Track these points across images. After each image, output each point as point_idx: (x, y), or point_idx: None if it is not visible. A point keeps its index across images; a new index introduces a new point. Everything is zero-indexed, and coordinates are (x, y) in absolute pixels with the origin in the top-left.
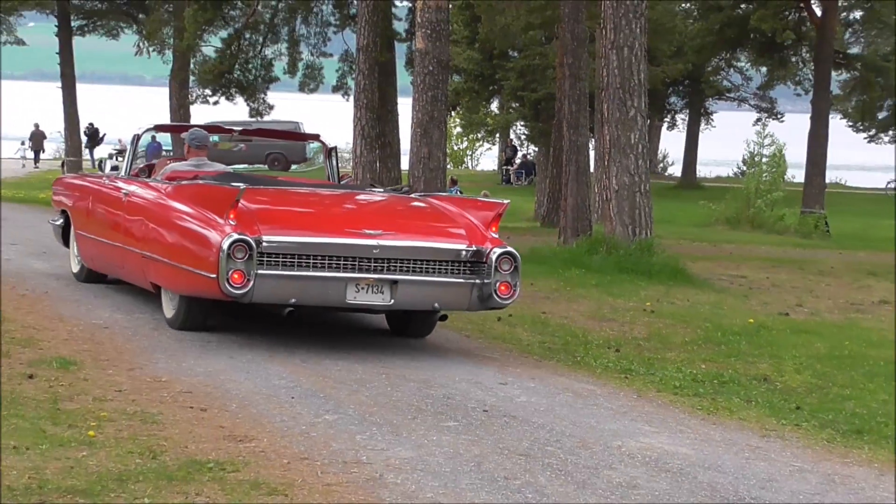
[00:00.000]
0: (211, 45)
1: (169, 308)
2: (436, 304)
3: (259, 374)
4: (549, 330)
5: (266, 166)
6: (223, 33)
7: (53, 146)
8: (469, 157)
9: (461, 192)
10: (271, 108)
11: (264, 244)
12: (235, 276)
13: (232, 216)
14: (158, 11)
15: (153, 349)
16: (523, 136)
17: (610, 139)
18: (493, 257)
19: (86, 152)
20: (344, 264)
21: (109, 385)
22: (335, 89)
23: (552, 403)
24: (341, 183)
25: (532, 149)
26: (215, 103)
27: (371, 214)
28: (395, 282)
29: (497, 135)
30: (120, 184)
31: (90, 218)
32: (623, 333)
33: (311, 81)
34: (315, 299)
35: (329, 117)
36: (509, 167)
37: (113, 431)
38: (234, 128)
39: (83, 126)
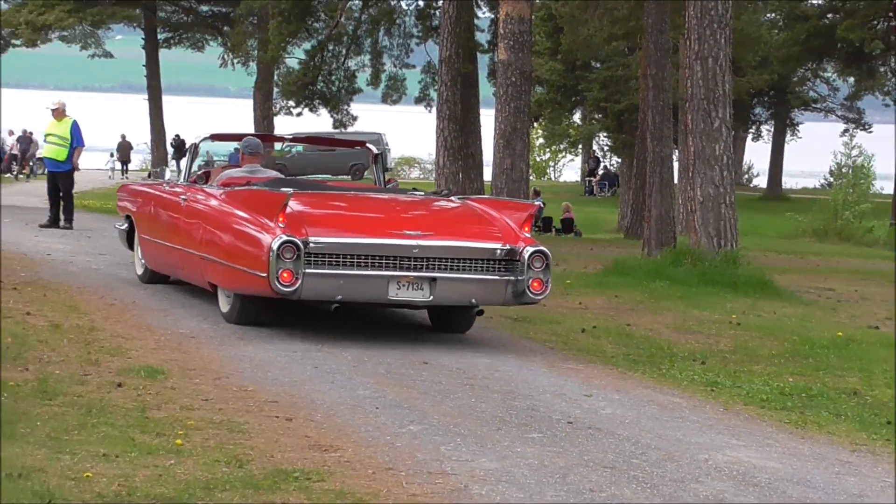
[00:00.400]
0: (295, 56)
1: (225, 304)
2: (473, 300)
3: (344, 384)
4: (634, 342)
5: (349, 177)
6: (307, 45)
7: (140, 158)
8: (552, 169)
9: (544, 204)
10: (354, 119)
11: (311, 245)
12: (285, 274)
13: (281, 219)
14: (243, 24)
15: (239, 359)
16: (606, 148)
17: (694, 150)
18: (526, 255)
19: (172, 163)
20: (386, 263)
21: (196, 394)
22: (418, 100)
23: (637, 416)
24: (385, 187)
25: (615, 160)
26: (299, 115)
27: (411, 216)
28: (433, 279)
29: (580, 146)
30: (179, 190)
31: (152, 222)
32: (709, 346)
33: (393, 93)
34: (359, 296)
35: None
36: (592, 178)
37: (200, 440)
38: (285, 136)
39: (169, 137)
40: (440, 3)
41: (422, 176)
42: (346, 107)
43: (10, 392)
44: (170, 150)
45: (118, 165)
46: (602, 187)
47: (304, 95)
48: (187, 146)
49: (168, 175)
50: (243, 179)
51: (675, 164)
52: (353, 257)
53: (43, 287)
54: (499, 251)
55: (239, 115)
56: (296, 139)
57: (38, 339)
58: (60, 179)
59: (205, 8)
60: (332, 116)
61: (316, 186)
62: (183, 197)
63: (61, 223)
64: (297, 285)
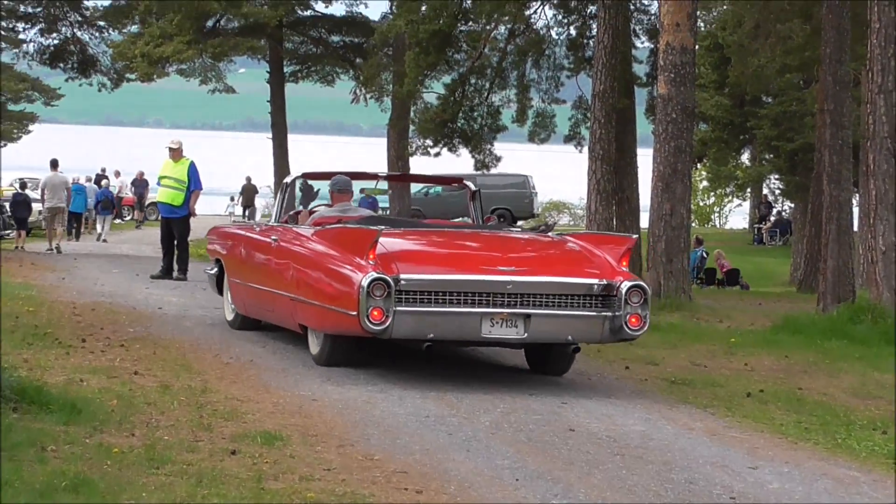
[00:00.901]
0: (433, 91)
1: (314, 346)
2: (569, 337)
3: (480, 452)
4: (806, 408)
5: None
6: (446, 78)
7: (263, 202)
8: (717, 215)
9: (707, 254)
10: (498, 160)
11: (402, 282)
12: (375, 312)
13: (371, 256)
14: (377, 56)
15: (365, 424)
16: (777, 191)
17: (876, 194)
18: (623, 290)
19: (299, 207)
20: (479, 300)
21: (317, 462)
22: (568, 139)
23: (809, 491)
24: (482, 224)
25: (787, 205)
26: (436, 155)
27: (505, 252)
28: (528, 316)
29: (748, 189)
30: (269, 231)
31: (242, 265)
32: (890, 413)
33: (541, 131)
34: (451, 334)
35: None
36: (762, 225)
37: None
38: (379, 173)
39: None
40: (594, 32)
41: (572, 222)
42: (488, 146)
43: (114, 459)
44: (297, 193)
45: (238, 210)
46: (773, 235)
47: (442, 134)
48: (285, 185)
49: (259, 217)
50: (334, 218)
51: (855, 210)
52: (445, 294)
53: (153, 344)
54: (595, 286)
55: (371, 156)
56: (390, 177)
57: (146, 401)
58: (175, 226)
59: (335, 38)
60: (473, 157)
61: (407, 223)
62: (273, 237)
63: (175, 274)
64: (387, 324)
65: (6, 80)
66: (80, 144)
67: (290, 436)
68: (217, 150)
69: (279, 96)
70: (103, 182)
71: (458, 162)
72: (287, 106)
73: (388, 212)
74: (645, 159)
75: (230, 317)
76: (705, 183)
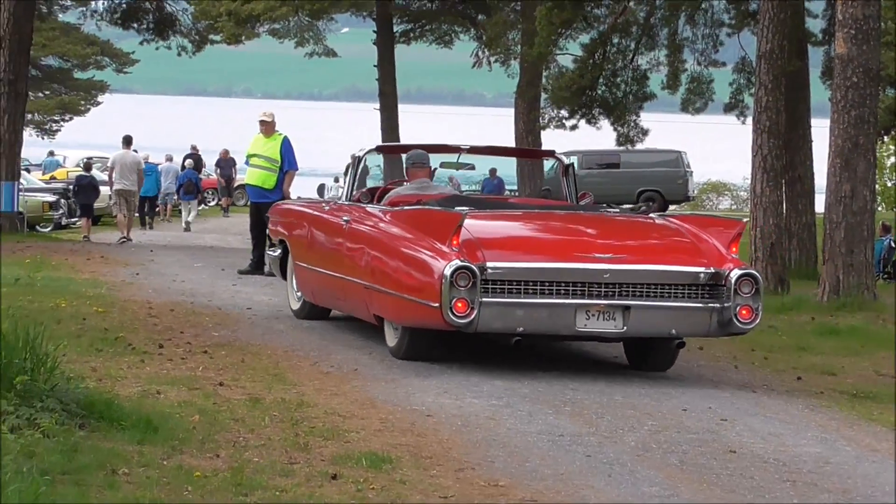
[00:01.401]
0: (569, 53)
1: (391, 338)
2: (673, 331)
3: (624, 478)
4: None
5: (642, 206)
6: (584, 38)
7: (371, 183)
8: None
9: (895, 244)
10: (645, 133)
11: (489, 271)
12: (459, 304)
13: (454, 242)
14: (503, 11)
15: (489, 443)
16: None
17: None
18: (733, 279)
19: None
20: (573, 290)
21: (432, 489)
22: (728, 108)
23: None
24: (576, 204)
25: None
26: (573, 128)
27: (601, 237)
28: (627, 307)
29: None
30: (341, 210)
31: (310, 247)
32: None
33: (696, 98)
34: (543, 327)
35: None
36: None
37: None
38: (462, 146)
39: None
40: None
41: (734, 206)
42: (634, 117)
43: (196, 484)
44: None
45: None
46: None
47: (579, 103)
48: (356, 158)
49: (329, 193)
50: (413, 197)
51: None
52: (536, 284)
53: (241, 350)
54: (702, 275)
55: (496, 129)
56: (473, 149)
57: (233, 416)
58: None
59: None
60: (615, 130)
61: (494, 205)
62: (345, 218)
63: (266, 268)
64: (472, 316)
65: (71, 43)
66: (157, 117)
67: (401, 458)
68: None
69: (388, 60)
70: (188, 162)
71: (597, 136)
72: (397, 72)
73: (516, 193)
74: (820, 132)
75: (296, 305)
76: (893, 159)
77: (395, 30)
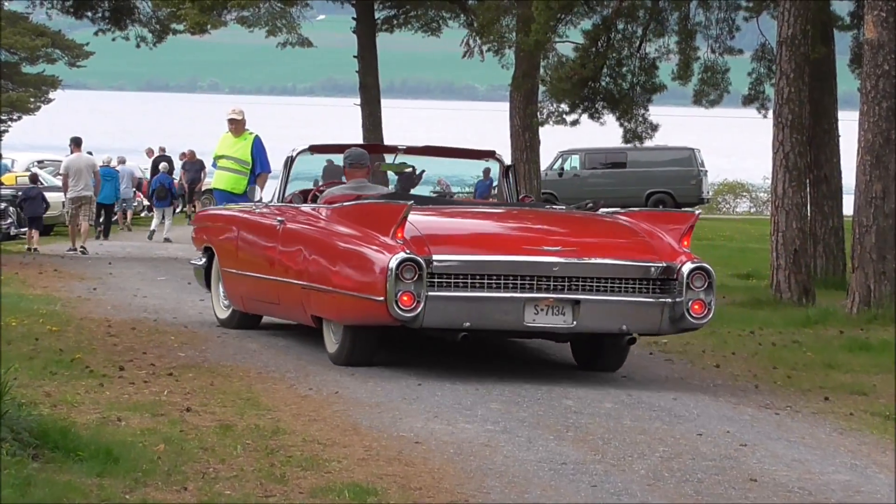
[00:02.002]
0: (569, 41)
1: (331, 343)
2: (623, 327)
3: None
4: None
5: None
6: (586, 24)
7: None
8: None
9: None
10: (654, 128)
11: (435, 263)
12: (405, 298)
13: (399, 234)
14: None
15: (484, 473)
16: None
17: None
18: (685, 273)
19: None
20: (521, 284)
21: None
22: (747, 100)
23: None
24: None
25: None
26: (574, 123)
27: (549, 231)
28: (577, 302)
29: None
30: (272, 211)
31: (239, 252)
32: None
33: (711, 90)
34: (490, 322)
35: (738, 141)
36: None
37: None
38: (399, 146)
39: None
40: None
41: (753, 208)
42: (641, 111)
43: None
44: (392, 176)
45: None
46: None
47: (581, 96)
48: (290, 159)
49: (258, 195)
50: (350, 197)
51: None
52: (484, 277)
53: (210, 372)
54: (653, 269)
55: (490, 124)
56: (410, 150)
57: (202, 445)
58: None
59: None
60: (621, 125)
61: (437, 201)
62: (279, 219)
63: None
64: (418, 310)
65: (18, 34)
66: (114, 115)
67: (387, 489)
68: (291, 121)
69: (369, 50)
70: (161, 165)
71: (602, 132)
72: (380, 63)
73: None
74: (849, 125)
75: (223, 315)
76: None
77: (376, 16)
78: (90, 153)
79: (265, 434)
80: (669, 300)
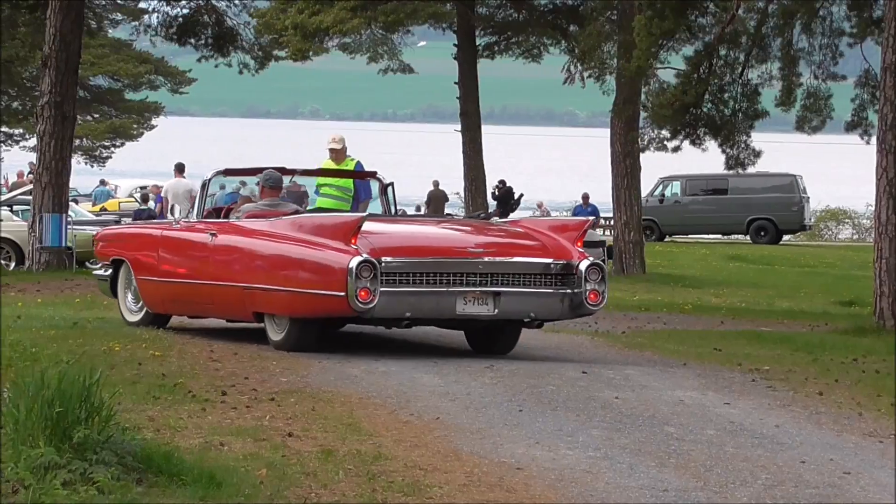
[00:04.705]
0: (671, 66)
1: (276, 333)
2: (532, 314)
3: None
4: None
5: (748, 237)
6: (688, 50)
7: (453, 212)
8: None
9: None
10: (757, 155)
11: (383, 264)
12: (363, 293)
13: (354, 241)
14: (597, 21)
15: (585, 500)
16: None
17: None
18: (583, 269)
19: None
20: (454, 280)
21: None
22: (850, 127)
23: None
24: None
25: None
26: (675, 150)
27: (472, 237)
28: (497, 294)
29: None
30: (199, 227)
31: (161, 262)
32: None
33: (813, 116)
34: (429, 312)
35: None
36: None
37: None
38: (296, 169)
39: (491, 183)
40: None
41: (855, 235)
42: (744, 137)
43: None
44: (491, 202)
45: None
46: None
47: (682, 122)
48: (206, 182)
49: (176, 215)
50: (268, 213)
51: None
52: (424, 275)
53: (311, 397)
54: (552, 265)
55: (590, 150)
56: (305, 172)
57: (304, 470)
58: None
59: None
60: (723, 152)
61: (370, 215)
62: (211, 233)
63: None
64: (374, 303)
65: (123, 61)
66: (217, 141)
67: None
68: (391, 148)
69: (470, 77)
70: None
71: (703, 158)
72: (480, 89)
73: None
74: None
75: (133, 318)
76: None
77: (477, 43)
78: (186, 178)
79: (366, 459)
80: (570, 291)
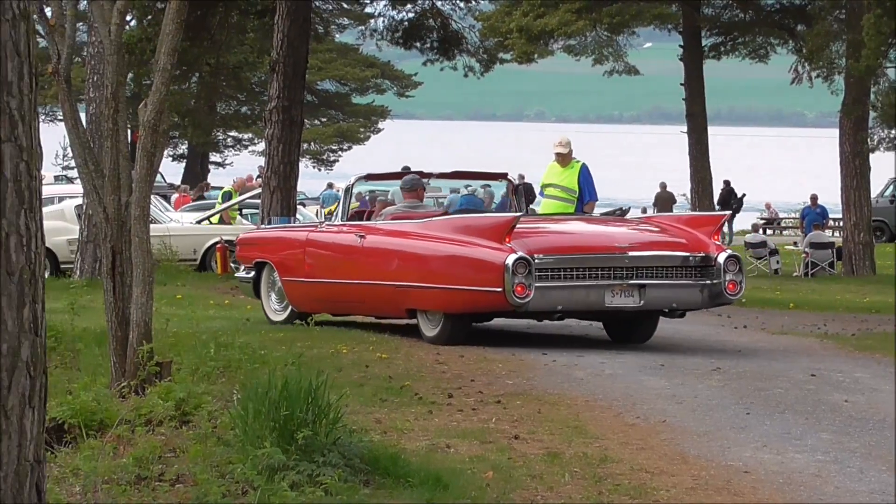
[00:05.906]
0: None
1: (429, 328)
2: (674, 304)
3: None
4: None
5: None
6: None
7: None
8: None
9: None
10: None
11: (537, 261)
12: (519, 288)
13: (508, 240)
14: (825, 21)
15: (815, 502)
16: None
17: None
18: (721, 260)
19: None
20: (602, 274)
21: None
22: None
23: None
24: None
25: None
26: None
27: (616, 234)
28: (643, 286)
29: None
30: (345, 229)
31: (308, 264)
32: None
33: None
34: (579, 305)
35: None
36: None
37: None
38: (433, 173)
39: (717, 185)
40: None
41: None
42: None
43: None
44: (717, 204)
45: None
46: None
47: None
48: (349, 187)
49: (300, 220)
50: (411, 214)
51: None
52: (574, 270)
53: (537, 400)
54: (692, 258)
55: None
56: (442, 175)
57: (530, 473)
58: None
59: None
60: None
61: (523, 215)
62: (360, 234)
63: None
64: (529, 297)
65: (349, 65)
66: (443, 144)
67: None
68: (618, 149)
69: (696, 78)
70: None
71: None
72: (707, 90)
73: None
74: None
75: (279, 317)
76: None
77: (703, 44)
78: None
79: (593, 462)
80: (709, 282)
